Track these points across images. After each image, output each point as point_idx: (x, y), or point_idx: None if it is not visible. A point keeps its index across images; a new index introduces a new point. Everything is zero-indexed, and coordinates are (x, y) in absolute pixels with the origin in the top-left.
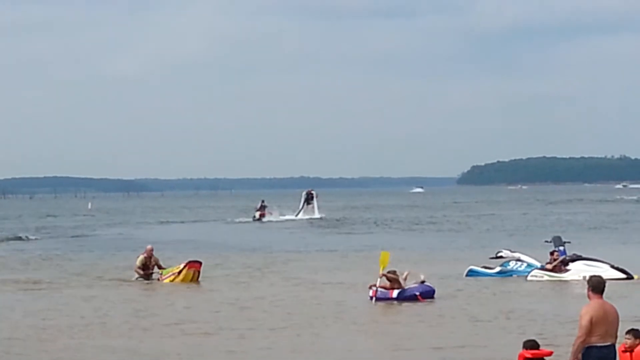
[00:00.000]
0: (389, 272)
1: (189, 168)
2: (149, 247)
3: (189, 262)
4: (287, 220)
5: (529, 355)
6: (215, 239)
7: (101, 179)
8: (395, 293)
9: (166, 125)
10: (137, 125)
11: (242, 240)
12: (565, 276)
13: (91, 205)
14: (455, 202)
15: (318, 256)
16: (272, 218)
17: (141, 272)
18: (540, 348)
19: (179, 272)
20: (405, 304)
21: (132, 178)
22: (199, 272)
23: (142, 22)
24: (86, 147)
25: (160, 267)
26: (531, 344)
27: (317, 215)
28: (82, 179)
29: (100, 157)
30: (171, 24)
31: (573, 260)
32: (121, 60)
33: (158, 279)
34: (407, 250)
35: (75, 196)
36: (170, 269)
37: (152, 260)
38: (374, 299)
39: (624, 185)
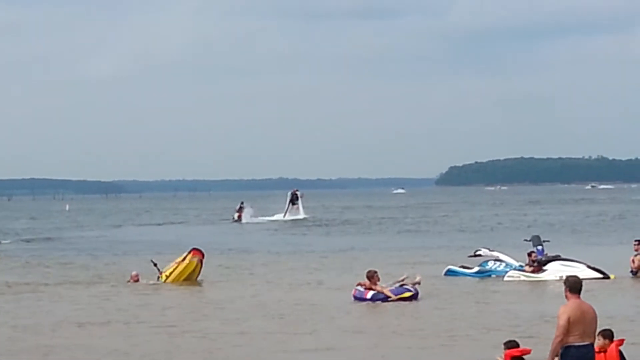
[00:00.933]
0: (368, 272)
1: (167, 169)
2: (133, 273)
3: (193, 248)
4: (270, 221)
5: (517, 354)
6: (195, 240)
7: (79, 181)
8: (369, 294)
9: (144, 126)
10: (115, 126)
11: (222, 241)
12: (542, 276)
13: (69, 207)
14: (438, 203)
15: (297, 257)
16: (255, 220)
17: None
18: (520, 347)
19: (183, 259)
20: (391, 304)
21: (111, 180)
22: (201, 263)
23: (121, 24)
24: (64, 149)
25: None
26: (512, 344)
27: (301, 216)
28: (61, 180)
29: (78, 158)
30: (150, 25)
31: (550, 261)
32: (99, 62)
33: (159, 278)
34: (388, 251)
35: (54, 198)
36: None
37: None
38: (353, 296)
39: (593, 186)
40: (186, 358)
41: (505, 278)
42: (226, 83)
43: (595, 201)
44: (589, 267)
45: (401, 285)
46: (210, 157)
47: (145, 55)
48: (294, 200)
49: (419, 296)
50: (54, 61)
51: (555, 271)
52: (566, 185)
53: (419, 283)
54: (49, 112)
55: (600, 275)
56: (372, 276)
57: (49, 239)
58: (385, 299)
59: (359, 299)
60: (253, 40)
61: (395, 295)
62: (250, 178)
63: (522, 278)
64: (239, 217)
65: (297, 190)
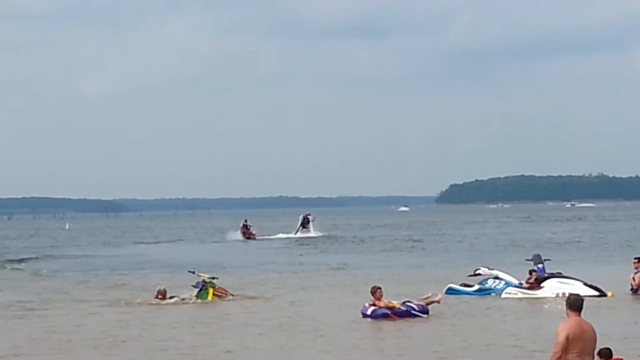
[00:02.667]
0: (372, 287)
1: (167, 188)
2: (161, 289)
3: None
4: (277, 238)
5: None
6: (197, 258)
7: (79, 200)
8: (370, 310)
9: (144, 145)
10: (115, 145)
11: (228, 259)
12: (538, 293)
13: (69, 226)
14: (442, 220)
15: (302, 274)
16: (265, 237)
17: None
18: None
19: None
20: (395, 322)
21: (111, 198)
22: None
23: (118, 43)
24: (64, 168)
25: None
26: None
27: (313, 234)
28: (61, 199)
29: (78, 177)
30: (147, 44)
31: (547, 278)
32: (97, 81)
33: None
34: (388, 269)
35: (54, 217)
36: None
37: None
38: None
39: (572, 204)
40: None
41: (503, 295)
42: (224, 101)
43: (585, 219)
44: (585, 284)
45: (403, 302)
46: (210, 176)
47: (143, 74)
48: (304, 223)
49: (429, 313)
50: (53, 79)
51: (552, 288)
52: (548, 203)
53: (438, 302)
54: (48, 131)
55: (597, 293)
56: (375, 292)
57: (48, 256)
58: (386, 314)
59: (363, 314)
60: (250, 58)
61: (403, 311)
62: (250, 196)
63: (520, 295)
64: (243, 233)
65: (308, 215)
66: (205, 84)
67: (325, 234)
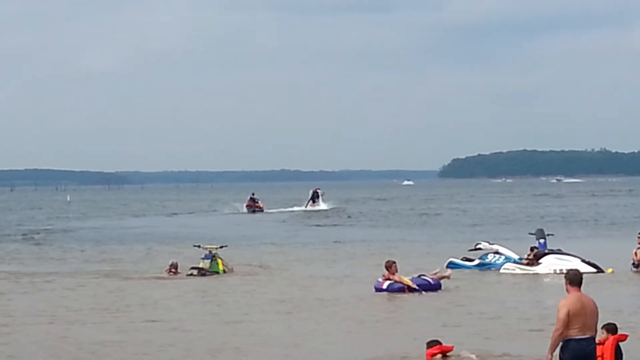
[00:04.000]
0: (387, 262)
1: (170, 161)
2: (174, 262)
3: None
4: (286, 211)
5: (437, 351)
6: (203, 232)
7: (82, 172)
8: (386, 284)
9: (146, 118)
10: (117, 118)
11: (234, 233)
12: (536, 269)
13: (70, 198)
14: (448, 195)
15: (307, 249)
16: (273, 210)
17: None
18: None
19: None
20: (398, 296)
21: (113, 171)
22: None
23: (119, 17)
24: (66, 140)
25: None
26: (433, 343)
27: (323, 207)
28: (63, 171)
29: (80, 150)
30: (148, 18)
31: (545, 254)
32: (100, 54)
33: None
34: (389, 242)
35: (56, 189)
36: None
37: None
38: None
39: (558, 180)
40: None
41: (501, 270)
42: (227, 75)
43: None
44: (583, 261)
45: (419, 276)
46: (213, 149)
47: (145, 48)
48: (314, 198)
49: (442, 288)
50: (55, 53)
51: (549, 265)
52: (535, 179)
53: (448, 277)
54: (51, 104)
55: (595, 270)
56: (390, 266)
57: (54, 231)
58: (403, 289)
59: (377, 289)
60: (252, 33)
61: (416, 285)
62: (252, 169)
63: (517, 271)
64: (248, 207)
65: (318, 189)
66: (207, 58)
67: (335, 207)
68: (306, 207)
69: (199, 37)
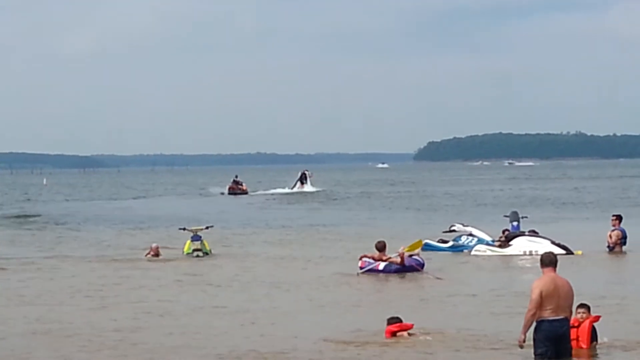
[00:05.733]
0: (379, 243)
1: (145, 144)
2: (153, 245)
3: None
4: (271, 194)
5: (395, 329)
6: (184, 214)
7: (57, 155)
8: (381, 265)
9: (122, 101)
10: (93, 101)
11: (215, 215)
12: (506, 251)
13: (46, 181)
14: (426, 178)
15: (284, 231)
16: (257, 192)
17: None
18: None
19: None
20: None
21: (89, 154)
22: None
23: (98, 1)
24: (42, 124)
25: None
26: (394, 320)
27: (311, 189)
28: (39, 155)
29: (56, 133)
30: (126, 3)
31: (516, 236)
32: (77, 38)
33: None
34: (371, 227)
35: (32, 172)
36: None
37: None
38: (360, 268)
39: (510, 163)
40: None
41: (472, 252)
42: (204, 59)
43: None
44: (553, 243)
45: (410, 256)
46: (189, 132)
47: (123, 33)
48: (302, 179)
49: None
50: (32, 37)
51: (520, 246)
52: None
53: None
54: (27, 87)
55: (564, 252)
56: (383, 247)
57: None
58: (398, 269)
59: (371, 270)
60: (230, 17)
61: (407, 264)
62: (228, 153)
63: (488, 252)
64: (230, 189)
65: (306, 170)
66: (184, 42)
67: (322, 189)
68: (293, 188)
69: (177, 21)
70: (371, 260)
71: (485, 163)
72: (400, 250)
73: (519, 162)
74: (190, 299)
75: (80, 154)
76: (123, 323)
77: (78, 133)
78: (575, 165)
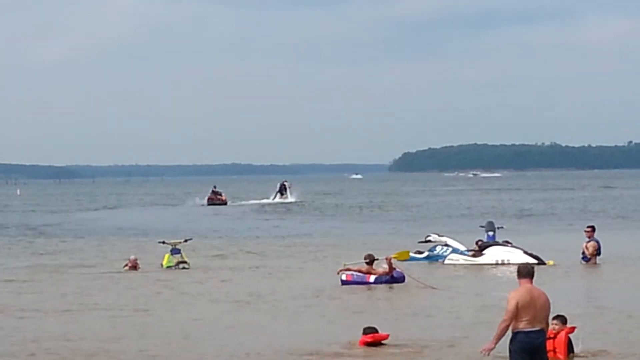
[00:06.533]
0: (369, 256)
1: (120, 155)
2: (132, 258)
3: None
4: (251, 204)
5: (369, 340)
6: (161, 226)
7: (32, 166)
8: (372, 278)
9: (96, 111)
10: (68, 111)
11: (198, 226)
12: (479, 260)
13: (20, 192)
14: (401, 189)
15: (263, 242)
16: (236, 202)
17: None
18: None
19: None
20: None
21: (63, 164)
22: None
23: (72, 8)
24: (16, 134)
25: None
26: (369, 330)
27: (291, 199)
28: (13, 165)
29: (31, 143)
30: (100, 10)
31: (489, 246)
32: (50, 46)
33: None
34: (344, 237)
35: (6, 183)
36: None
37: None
38: (345, 281)
39: (474, 174)
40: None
41: (446, 261)
42: (178, 68)
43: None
44: (525, 252)
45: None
46: (164, 142)
47: (97, 39)
48: (282, 190)
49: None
50: (5, 44)
51: (492, 255)
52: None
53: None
54: (1, 96)
55: (536, 262)
56: (372, 261)
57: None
58: (388, 280)
59: (359, 283)
60: (204, 25)
61: (400, 276)
62: (203, 163)
63: (461, 261)
64: (209, 199)
65: (285, 181)
66: (160, 50)
67: (301, 200)
68: (274, 199)
69: (152, 28)
70: (359, 274)
71: (460, 174)
72: (387, 256)
73: (485, 173)
74: (167, 310)
75: (55, 165)
76: (100, 334)
77: (53, 143)
78: (546, 175)
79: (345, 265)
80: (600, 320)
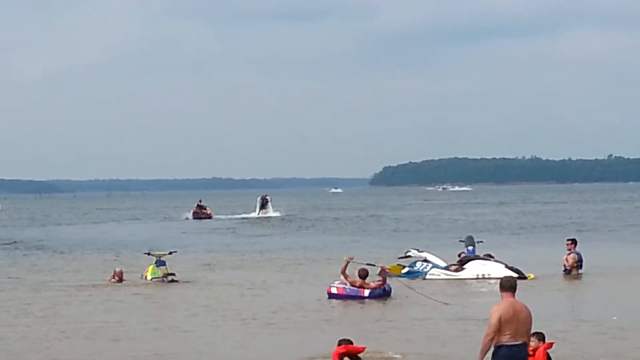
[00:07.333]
0: (363, 270)
1: (101, 169)
2: (117, 270)
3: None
4: (235, 218)
5: (342, 350)
6: (153, 239)
7: (13, 180)
8: (366, 292)
9: (77, 126)
10: (48, 126)
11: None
12: (460, 275)
13: (1, 206)
14: (384, 203)
15: (247, 256)
16: (220, 216)
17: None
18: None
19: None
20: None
21: (44, 179)
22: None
23: (48, 25)
24: None
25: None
26: (344, 342)
27: (274, 214)
28: None
29: (11, 158)
30: (77, 27)
31: (470, 260)
32: (29, 62)
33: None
34: (322, 251)
35: None
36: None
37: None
38: (335, 295)
39: (444, 188)
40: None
41: (427, 276)
42: (157, 83)
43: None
44: (506, 267)
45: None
46: (144, 157)
47: (75, 56)
48: (264, 204)
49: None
50: None
51: (473, 270)
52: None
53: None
54: None
55: (517, 275)
56: (365, 275)
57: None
58: (381, 294)
59: (352, 297)
60: (181, 40)
61: (387, 289)
62: (184, 177)
63: (443, 276)
64: (194, 213)
65: (266, 195)
66: (136, 66)
67: (284, 214)
68: (258, 214)
69: (129, 45)
70: (352, 287)
71: (442, 188)
72: (383, 265)
73: (454, 187)
74: (151, 323)
75: (36, 179)
76: (83, 348)
77: (33, 158)
78: (526, 189)
79: (347, 259)
80: (580, 332)
